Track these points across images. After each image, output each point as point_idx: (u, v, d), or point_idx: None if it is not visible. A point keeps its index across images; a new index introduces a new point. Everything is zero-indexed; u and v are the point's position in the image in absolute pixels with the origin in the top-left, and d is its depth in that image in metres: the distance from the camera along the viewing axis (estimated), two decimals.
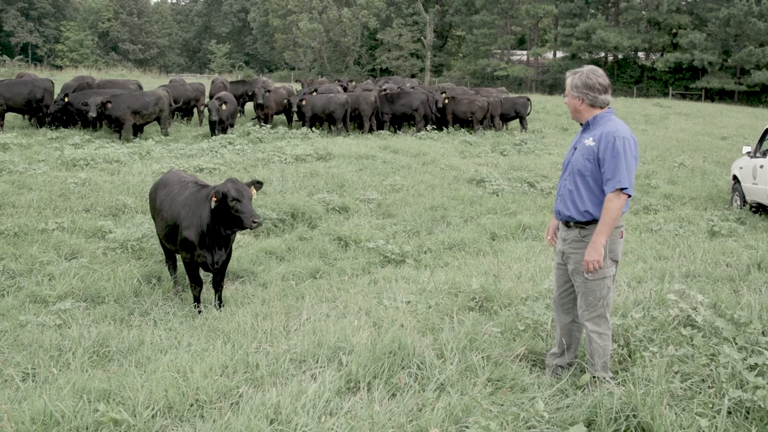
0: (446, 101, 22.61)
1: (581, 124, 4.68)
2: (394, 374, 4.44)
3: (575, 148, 4.62)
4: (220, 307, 7.04)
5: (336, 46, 68.89)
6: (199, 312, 6.93)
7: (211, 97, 22.58)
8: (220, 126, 18.64)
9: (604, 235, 4.32)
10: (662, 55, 56.83)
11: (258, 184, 6.94)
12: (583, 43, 56.13)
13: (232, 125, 19.67)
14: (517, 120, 24.71)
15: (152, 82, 33.17)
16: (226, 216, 6.64)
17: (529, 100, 25.06)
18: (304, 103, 20.58)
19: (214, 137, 17.74)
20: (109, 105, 16.72)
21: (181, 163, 13.55)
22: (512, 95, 28.90)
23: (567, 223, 4.63)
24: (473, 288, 6.55)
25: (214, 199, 6.57)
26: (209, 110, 18.45)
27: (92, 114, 16.62)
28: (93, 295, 7.28)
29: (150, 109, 17.72)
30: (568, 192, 4.57)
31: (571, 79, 4.57)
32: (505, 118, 24.48)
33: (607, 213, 4.33)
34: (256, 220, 6.49)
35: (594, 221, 4.48)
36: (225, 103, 18.71)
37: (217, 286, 7.21)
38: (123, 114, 16.98)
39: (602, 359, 4.53)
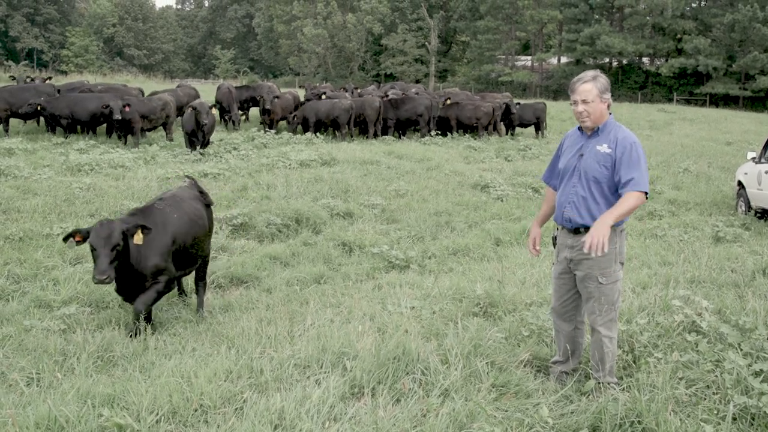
0: (443, 104, 22.63)
1: (580, 128, 4.66)
2: (398, 380, 4.43)
3: (581, 154, 4.55)
4: (200, 310, 7.15)
5: (340, 52, 68.97)
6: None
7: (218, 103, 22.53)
8: (200, 139, 16.26)
9: (614, 218, 4.14)
10: (667, 60, 56.83)
11: (146, 230, 6.10)
12: (588, 48, 56.16)
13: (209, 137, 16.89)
14: (531, 126, 24.78)
15: (154, 88, 33.21)
16: None
17: (545, 104, 25.17)
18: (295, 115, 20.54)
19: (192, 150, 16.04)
20: (127, 109, 16.68)
21: (186, 168, 13.58)
22: (530, 101, 28.95)
23: (576, 230, 4.56)
24: (477, 293, 6.54)
25: (77, 239, 5.99)
26: (186, 120, 16.12)
27: (117, 116, 16.38)
28: (97, 300, 7.29)
29: (157, 114, 17.76)
30: (581, 199, 4.50)
31: (595, 84, 4.44)
32: (525, 125, 24.50)
33: (624, 202, 4.22)
34: (97, 277, 5.74)
35: None
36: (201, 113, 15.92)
37: (198, 286, 7.32)
38: (134, 117, 16.97)
39: (611, 363, 4.54)
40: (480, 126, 22.26)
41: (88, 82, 24.23)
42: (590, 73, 4.53)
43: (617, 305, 4.53)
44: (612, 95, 4.56)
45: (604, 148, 4.44)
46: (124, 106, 16.55)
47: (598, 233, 4.07)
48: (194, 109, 15.89)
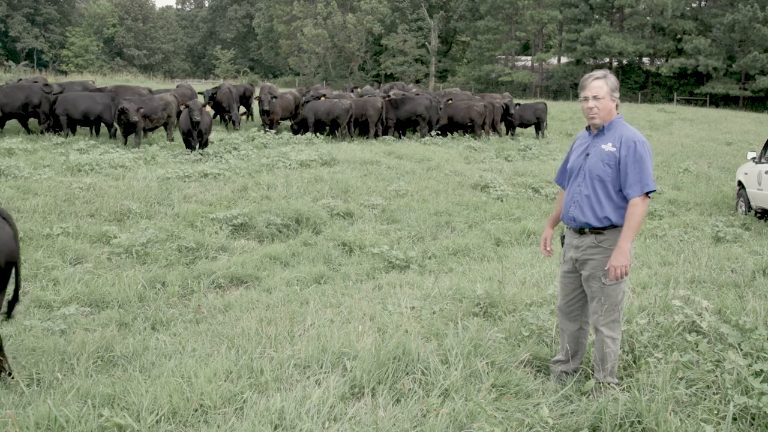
0: (445, 105, 22.68)
1: (588, 129, 4.68)
2: (398, 380, 4.43)
3: (587, 154, 4.58)
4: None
5: (340, 52, 68.93)
6: None
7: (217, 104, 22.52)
8: (198, 138, 16.29)
9: (630, 240, 4.32)
10: (667, 60, 56.81)
11: None
12: (588, 48, 56.14)
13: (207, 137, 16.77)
14: (531, 127, 24.79)
15: (152, 88, 33.21)
16: None
17: (545, 105, 25.20)
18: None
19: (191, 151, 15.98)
20: (140, 111, 16.65)
21: (186, 168, 13.57)
22: (530, 101, 28.95)
23: (581, 230, 4.58)
24: (478, 294, 6.54)
25: None
26: (182, 120, 16.15)
27: (134, 119, 16.43)
28: (97, 300, 7.29)
29: (158, 114, 17.75)
30: (585, 198, 4.52)
31: (606, 81, 4.50)
32: (525, 125, 24.54)
33: (633, 218, 4.33)
34: None
35: (611, 226, 4.47)
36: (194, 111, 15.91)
37: None
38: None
39: (612, 364, 4.53)
40: (476, 126, 22.26)
41: (93, 82, 24.24)
42: (601, 72, 4.59)
43: (620, 306, 4.53)
44: None
45: (608, 146, 4.45)
46: (137, 109, 16.58)
47: (618, 262, 4.30)
48: (186, 106, 16.10)
